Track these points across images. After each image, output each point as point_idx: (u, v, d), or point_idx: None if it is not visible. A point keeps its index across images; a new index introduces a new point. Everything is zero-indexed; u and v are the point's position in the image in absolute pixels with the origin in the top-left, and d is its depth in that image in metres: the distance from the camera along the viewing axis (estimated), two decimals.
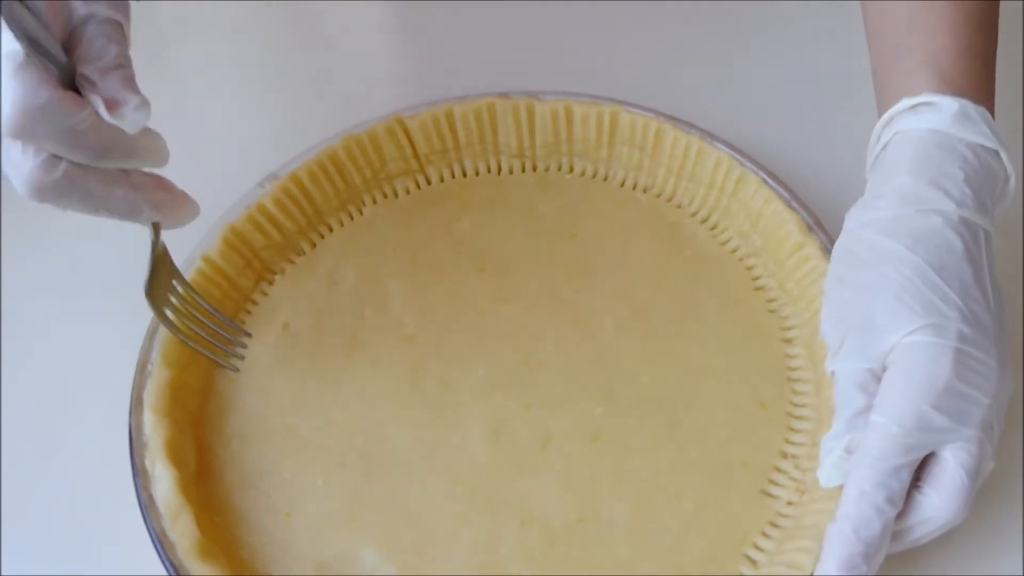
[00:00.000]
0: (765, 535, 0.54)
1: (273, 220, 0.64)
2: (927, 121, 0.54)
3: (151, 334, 0.58)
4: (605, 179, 0.68)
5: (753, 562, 0.54)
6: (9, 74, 0.45)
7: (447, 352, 0.60)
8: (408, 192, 0.67)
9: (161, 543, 0.52)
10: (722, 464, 0.56)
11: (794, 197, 0.63)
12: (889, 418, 0.49)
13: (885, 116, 0.56)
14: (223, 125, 0.74)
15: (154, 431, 0.55)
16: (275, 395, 0.59)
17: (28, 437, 0.60)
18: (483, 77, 0.70)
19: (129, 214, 0.51)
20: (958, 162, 0.53)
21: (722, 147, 0.65)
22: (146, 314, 0.57)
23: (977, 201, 0.53)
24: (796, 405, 0.58)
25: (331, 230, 0.66)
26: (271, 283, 0.64)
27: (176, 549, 0.52)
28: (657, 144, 0.66)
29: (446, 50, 0.77)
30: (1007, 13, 0.58)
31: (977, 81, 0.55)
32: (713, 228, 0.65)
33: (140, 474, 0.54)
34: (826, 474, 0.52)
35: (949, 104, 0.54)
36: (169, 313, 0.57)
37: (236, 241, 0.62)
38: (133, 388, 0.57)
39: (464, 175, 0.68)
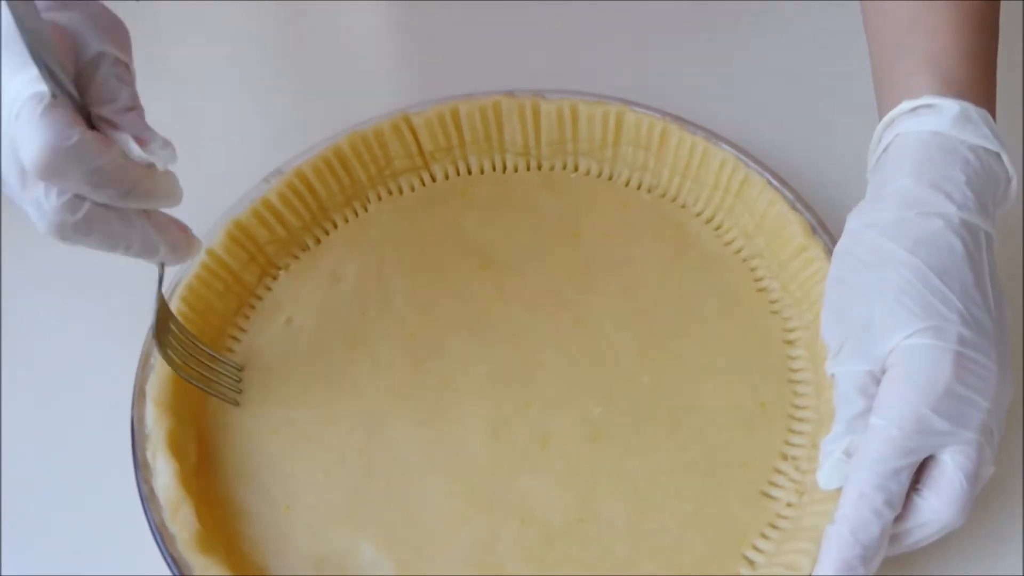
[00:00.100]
0: (764, 536, 0.54)
1: (278, 215, 0.64)
2: (928, 123, 0.54)
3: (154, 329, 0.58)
4: (610, 178, 0.68)
5: (751, 563, 0.54)
6: (38, 115, 0.45)
7: (448, 350, 0.60)
8: (413, 189, 0.67)
9: (161, 535, 0.53)
10: (722, 465, 0.56)
11: (799, 199, 0.63)
12: (888, 420, 0.49)
13: (886, 118, 0.56)
14: (229, 121, 0.74)
15: (156, 424, 0.55)
16: (277, 389, 0.59)
17: (29, 430, 0.60)
18: (489, 75, 0.70)
19: (146, 253, 0.51)
20: (959, 164, 0.53)
21: (727, 148, 0.65)
22: (147, 310, 0.57)
23: (978, 203, 0.53)
24: (797, 407, 0.58)
25: (335, 226, 0.66)
26: (275, 278, 0.64)
27: (176, 541, 0.53)
28: (662, 144, 0.66)
29: (453, 48, 0.77)
30: (1007, 14, 0.58)
31: (978, 83, 0.55)
32: (717, 229, 0.65)
33: (141, 466, 0.55)
34: (825, 476, 0.52)
35: (950, 106, 0.54)
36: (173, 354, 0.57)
37: (240, 236, 0.62)
38: (136, 381, 0.57)
39: (469, 173, 0.68)
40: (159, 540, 0.53)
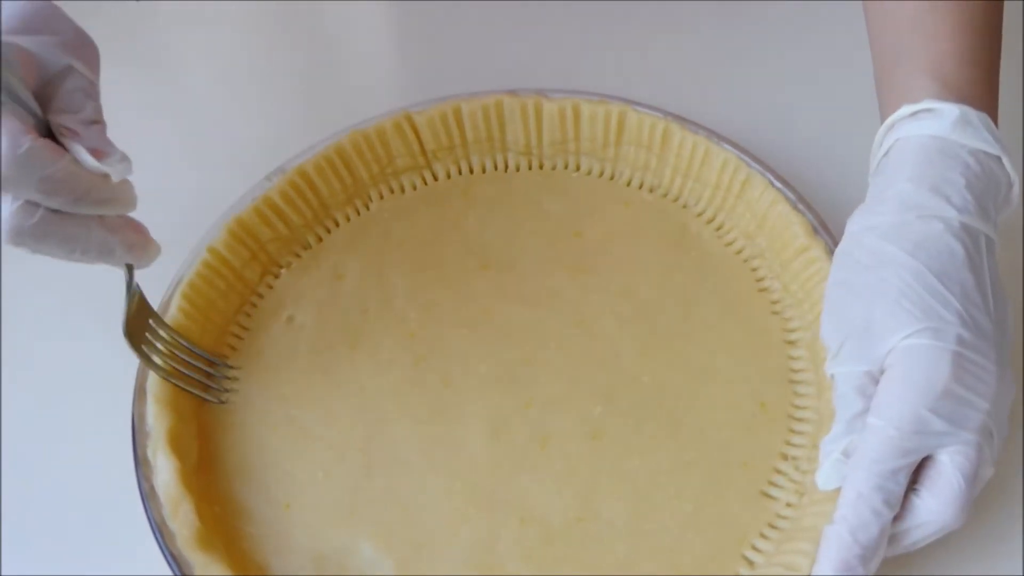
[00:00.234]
0: (763, 536, 0.54)
1: (280, 213, 0.64)
2: (928, 127, 0.54)
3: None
4: (612, 178, 0.68)
5: (751, 563, 0.54)
6: None
7: (449, 349, 0.60)
8: (415, 188, 0.67)
9: (161, 533, 0.53)
10: (722, 465, 0.56)
11: (800, 199, 0.63)
12: (886, 421, 0.49)
13: (887, 122, 0.56)
14: (231, 119, 0.74)
15: (156, 421, 0.56)
16: (277, 387, 0.59)
17: (29, 429, 0.60)
18: (492, 74, 0.71)
19: (103, 256, 0.52)
20: (959, 168, 0.53)
21: (729, 148, 0.65)
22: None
23: (979, 207, 0.52)
24: (797, 407, 0.58)
25: (337, 225, 0.66)
26: (277, 276, 0.64)
27: (176, 539, 0.53)
28: (664, 144, 0.66)
29: (455, 47, 0.77)
30: (1008, 17, 0.58)
31: (979, 86, 0.55)
32: (719, 229, 0.65)
33: (142, 464, 0.55)
34: (824, 477, 0.52)
35: (950, 110, 0.53)
36: (151, 352, 0.57)
37: (242, 233, 0.62)
38: (136, 378, 0.57)
39: (471, 172, 0.68)
40: (159, 538, 0.53)
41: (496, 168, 0.68)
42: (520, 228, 0.65)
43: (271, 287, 0.63)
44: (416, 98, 0.68)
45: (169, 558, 0.52)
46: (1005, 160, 0.54)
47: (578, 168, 0.68)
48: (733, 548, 0.54)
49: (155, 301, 0.58)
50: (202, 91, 0.76)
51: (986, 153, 0.54)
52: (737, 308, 0.62)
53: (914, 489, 0.50)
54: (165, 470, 0.54)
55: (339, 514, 0.55)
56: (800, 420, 0.57)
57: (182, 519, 0.53)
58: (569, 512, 0.55)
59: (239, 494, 0.56)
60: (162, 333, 0.58)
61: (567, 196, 0.67)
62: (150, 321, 0.57)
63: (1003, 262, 0.54)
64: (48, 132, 0.49)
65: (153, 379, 0.57)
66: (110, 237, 0.51)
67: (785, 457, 0.56)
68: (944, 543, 0.51)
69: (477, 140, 0.68)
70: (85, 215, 0.50)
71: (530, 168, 0.68)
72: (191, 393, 0.58)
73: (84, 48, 0.50)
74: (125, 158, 0.50)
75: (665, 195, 0.67)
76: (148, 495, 0.54)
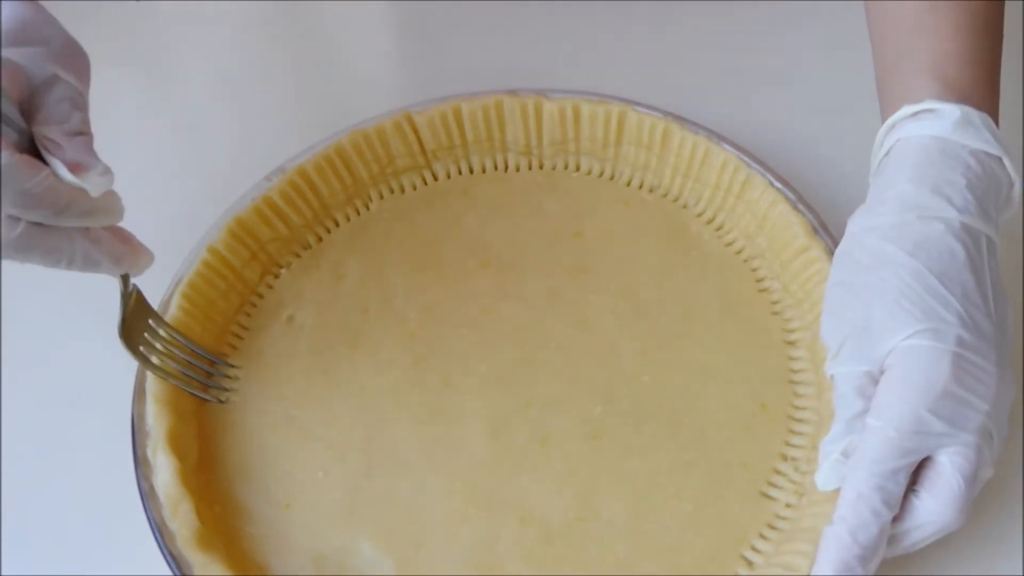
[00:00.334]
0: (763, 537, 0.54)
1: (280, 213, 0.64)
2: (929, 128, 0.54)
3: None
4: (612, 178, 0.68)
5: (750, 563, 0.54)
6: None
7: (449, 349, 0.60)
8: (415, 188, 0.67)
9: (161, 533, 0.53)
10: (721, 465, 0.56)
11: (800, 199, 0.63)
12: (886, 421, 0.49)
13: (888, 122, 0.56)
14: (231, 119, 0.74)
15: (156, 421, 0.56)
16: (277, 387, 0.59)
17: (29, 429, 0.60)
18: (492, 74, 0.70)
19: (89, 267, 0.51)
20: (960, 169, 0.53)
21: (729, 148, 0.65)
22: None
23: (980, 207, 0.52)
24: (797, 408, 0.58)
25: (337, 224, 0.66)
26: (277, 276, 0.64)
27: (176, 539, 0.53)
28: (664, 144, 0.66)
29: (455, 47, 0.77)
30: (1009, 17, 0.58)
31: (980, 86, 0.55)
32: (719, 229, 0.65)
33: (141, 463, 0.55)
34: (823, 477, 0.52)
35: (951, 111, 0.53)
36: (149, 353, 0.57)
37: (242, 233, 0.62)
38: (136, 378, 0.57)
39: (471, 172, 0.68)
40: (159, 538, 0.53)
41: (496, 168, 0.68)
42: (520, 228, 0.65)
43: (271, 287, 0.63)
44: (416, 98, 0.68)
45: (169, 558, 0.52)
46: (1006, 161, 0.54)
47: (578, 168, 0.68)
48: (732, 548, 0.54)
49: (155, 301, 0.58)
50: (202, 91, 0.76)
51: (987, 154, 0.53)
52: (737, 308, 0.62)
53: (913, 490, 0.50)
54: (165, 470, 0.54)
55: (339, 514, 0.55)
56: (800, 421, 0.57)
57: (182, 519, 0.53)
58: (569, 512, 0.55)
59: (239, 494, 0.56)
60: (162, 333, 0.58)
61: (567, 196, 0.67)
62: (150, 321, 0.57)
63: (1003, 263, 0.54)
64: (33, 144, 0.48)
65: (153, 379, 0.57)
66: (94, 249, 0.51)
67: (785, 458, 0.56)
68: (944, 543, 0.51)
69: (477, 140, 0.68)
70: (68, 227, 0.49)
71: (530, 168, 0.68)
72: (191, 393, 0.58)
73: (74, 58, 0.50)
74: (107, 171, 0.49)
75: (665, 195, 0.67)
76: (148, 495, 0.54)
